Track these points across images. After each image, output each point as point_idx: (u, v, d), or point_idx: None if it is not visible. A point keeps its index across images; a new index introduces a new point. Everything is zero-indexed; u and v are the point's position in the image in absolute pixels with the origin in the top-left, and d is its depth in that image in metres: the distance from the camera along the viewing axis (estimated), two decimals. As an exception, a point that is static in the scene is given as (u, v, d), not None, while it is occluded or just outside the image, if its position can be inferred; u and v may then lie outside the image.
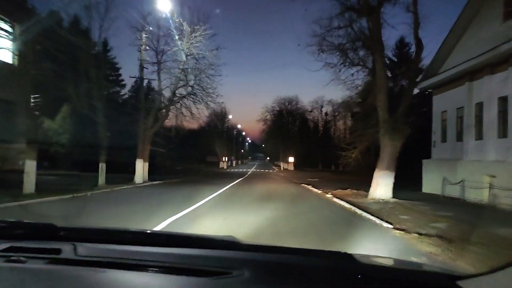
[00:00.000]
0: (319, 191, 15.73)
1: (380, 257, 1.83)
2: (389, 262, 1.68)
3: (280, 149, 53.70)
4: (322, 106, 65.23)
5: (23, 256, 1.22)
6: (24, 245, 1.33)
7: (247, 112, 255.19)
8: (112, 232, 1.62)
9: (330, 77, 14.75)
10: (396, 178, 12.66)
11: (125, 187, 15.41)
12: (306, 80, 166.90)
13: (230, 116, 55.79)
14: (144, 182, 17.63)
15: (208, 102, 20.42)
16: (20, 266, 1.18)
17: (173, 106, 19.93)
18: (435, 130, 18.10)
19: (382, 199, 12.29)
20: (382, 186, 12.50)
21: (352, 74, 14.70)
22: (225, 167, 51.81)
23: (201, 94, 20.31)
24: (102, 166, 15.26)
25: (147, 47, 17.77)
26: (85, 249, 1.32)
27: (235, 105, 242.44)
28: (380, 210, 9.78)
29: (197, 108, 20.57)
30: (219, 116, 55.02)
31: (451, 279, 1.09)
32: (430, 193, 15.94)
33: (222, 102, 21.05)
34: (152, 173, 27.24)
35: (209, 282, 1.08)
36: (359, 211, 9.40)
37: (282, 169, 52.69)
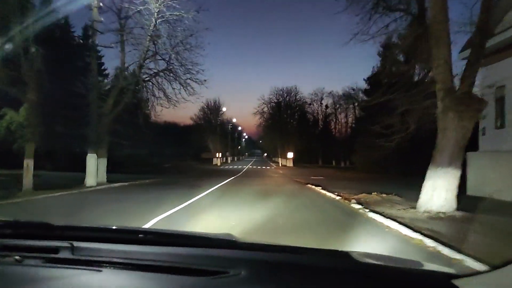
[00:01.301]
0: (336, 197, 11.03)
1: (378, 255, 1.60)
2: (386, 261, 1.54)
3: (278, 144, 48.98)
4: (322, 99, 60.71)
5: (20, 255, 1.19)
6: (20, 244, 1.30)
7: (244, 108, 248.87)
8: (108, 230, 1.53)
9: (352, 32, 9.83)
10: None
11: (62, 193, 10.69)
12: (305, 72, 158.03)
13: (224, 109, 50.96)
14: (98, 184, 12.89)
15: (188, 81, 15.64)
16: (17, 265, 1.16)
17: (142, 86, 15.10)
18: (485, 112, 13.40)
19: (442, 212, 7.65)
20: (441, 191, 7.84)
21: (387, 25, 9.90)
22: (218, 164, 47.05)
23: (179, 70, 15.54)
24: (28, 165, 10.55)
25: (101, 4, 12.95)
26: (82, 248, 1.26)
27: (231, 100, 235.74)
28: (469, 241, 5.14)
29: (174, 89, 15.81)
30: (213, 109, 50.17)
31: (447, 277, 1.08)
32: (487, 197, 11.28)
33: (205, 80, 15.57)
34: (125, 171, 22.61)
35: (206, 282, 1.06)
36: (444, 250, 4.68)
37: (280, 165, 48.08)
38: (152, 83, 15.52)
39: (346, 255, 1.29)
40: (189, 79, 15.57)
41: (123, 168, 27.28)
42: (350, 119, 60.23)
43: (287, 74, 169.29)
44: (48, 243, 1.29)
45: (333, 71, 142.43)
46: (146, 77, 15.18)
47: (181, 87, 15.63)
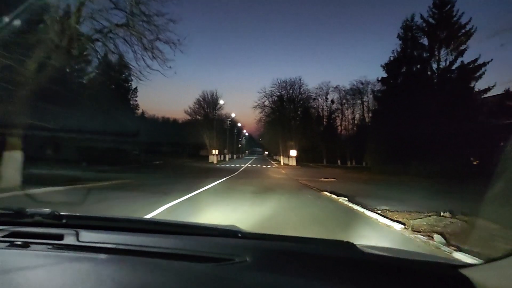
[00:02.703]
0: (391, 223, 5.96)
1: (383, 248, 1.53)
2: (391, 252, 1.43)
3: (280, 141, 43.91)
4: (327, 93, 55.71)
5: (27, 242, 1.20)
6: (27, 231, 1.30)
7: (245, 105, 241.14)
8: (115, 220, 1.50)
9: None
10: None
11: None
12: (309, 66, 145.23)
13: (222, 101, 45.70)
14: (3, 189, 7.94)
15: (156, 42, 10.67)
16: (24, 251, 1.16)
17: (85, 43, 10.12)
18: None
19: None
20: None
21: None
22: (215, 162, 42.01)
23: (142, 27, 10.57)
24: None
25: None
26: (87, 236, 1.26)
27: (231, 97, 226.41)
28: None
29: (134, 52, 10.83)
30: (209, 102, 45.09)
31: (453, 267, 1.05)
32: None
33: (179, 41, 10.52)
34: (98, 169, 18.34)
35: (211, 268, 1.04)
36: None
37: (282, 164, 43.07)
38: (104, 43, 10.57)
39: (351, 246, 1.24)
40: (157, 39, 10.60)
41: (99, 165, 22.73)
42: (357, 115, 55.33)
43: (290, 69, 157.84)
44: (55, 231, 1.28)
45: (339, 65, 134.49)
46: (92, 34, 10.19)
47: (146, 51, 10.65)
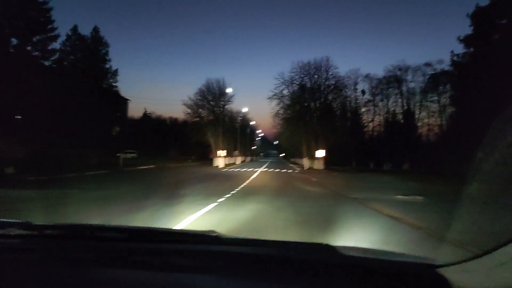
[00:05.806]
0: None
1: (362, 248, 1.49)
2: (371, 253, 1.43)
3: (303, 140, 34.27)
4: (356, 83, 46.01)
5: None
6: None
7: (258, 106, 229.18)
8: (90, 228, 1.43)
9: None
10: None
11: None
12: (334, 51, 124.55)
13: (230, 90, 36.26)
14: None
15: None
16: None
17: None
18: None
19: None
20: None
21: None
22: (220, 166, 32.81)
23: None
24: None
25: None
26: (63, 246, 1.21)
27: (244, 96, 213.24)
28: None
29: None
30: (215, 94, 35.96)
31: (431, 267, 1.04)
32: None
33: None
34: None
35: (189, 276, 1.01)
36: None
37: (305, 168, 33.45)
38: None
39: (329, 248, 1.21)
40: None
41: (45, 172, 14.30)
42: (392, 108, 45.31)
43: (311, 58, 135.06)
44: (27, 243, 1.21)
45: (370, 48, 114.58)
46: None
47: None
